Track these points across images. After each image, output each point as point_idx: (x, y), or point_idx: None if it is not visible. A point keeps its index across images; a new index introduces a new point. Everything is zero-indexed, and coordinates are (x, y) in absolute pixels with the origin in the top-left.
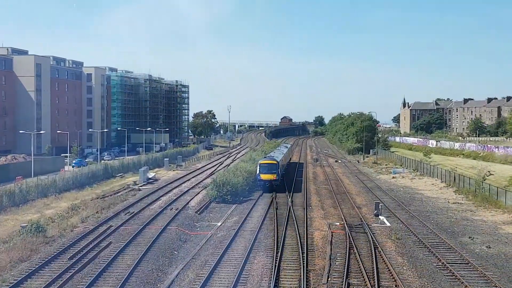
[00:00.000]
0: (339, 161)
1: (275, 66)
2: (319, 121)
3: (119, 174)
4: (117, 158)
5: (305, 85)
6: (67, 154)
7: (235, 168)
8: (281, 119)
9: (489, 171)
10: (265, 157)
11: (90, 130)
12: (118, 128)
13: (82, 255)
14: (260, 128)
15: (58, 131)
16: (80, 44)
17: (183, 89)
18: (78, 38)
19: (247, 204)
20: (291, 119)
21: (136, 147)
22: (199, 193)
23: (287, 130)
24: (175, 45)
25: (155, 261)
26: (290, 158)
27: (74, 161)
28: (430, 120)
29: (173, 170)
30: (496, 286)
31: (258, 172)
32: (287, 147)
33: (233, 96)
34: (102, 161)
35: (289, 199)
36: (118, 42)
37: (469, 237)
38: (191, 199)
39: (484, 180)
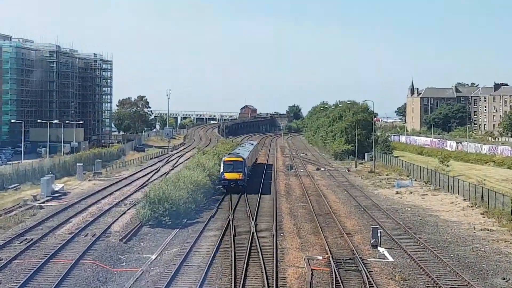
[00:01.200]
0: (322, 169)
1: (232, 33)
2: (295, 112)
3: (13, 186)
4: (10, 162)
5: (275, 62)
6: None
7: (176, 178)
8: (242, 109)
9: None
10: (229, 153)
11: None
12: (12, 121)
13: None
14: (212, 122)
15: None
16: None
17: (104, 66)
18: None
19: (193, 229)
20: (255, 110)
21: (37, 147)
22: (125, 212)
23: (250, 124)
24: (93, 4)
25: None
26: (256, 159)
27: None
28: (448, 112)
29: (89, 180)
30: None
31: (221, 170)
32: (252, 144)
33: (174, 78)
34: None
35: (253, 222)
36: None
37: (503, 278)
38: (114, 222)
39: None
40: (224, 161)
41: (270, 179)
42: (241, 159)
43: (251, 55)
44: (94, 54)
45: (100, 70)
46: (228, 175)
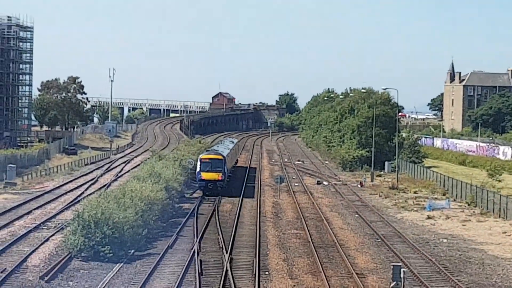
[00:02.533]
0: (325, 182)
1: None
2: (288, 103)
3: None
4: None
5: (262, 34)
6: None
7: (121, 193)
8: (214, 98)
9: None
10: (207, 150)
11: None
12: None
13: None
14: (173, 115)
15: None
16: None
17: (22, 34)
18: None
19: (143, 264)
20: (232, 99)
21: None
22: (48, 239)
23: (225, 119)
24: None
25: None
26: (237, 161)
27: None
28: (502, 107)
29: None
30: None
31: (198, 170)
32: (233, 142)
33: (121, 54)
34: None
35: (226, 255)
36: None
37: None
38: (33, 252)
39: None
40: (201, 159)
41: (252, 196)
42: (220, 157)
43: (228, 23)
44: (8, 17)
45: (16, 40)
46: (205, 175)
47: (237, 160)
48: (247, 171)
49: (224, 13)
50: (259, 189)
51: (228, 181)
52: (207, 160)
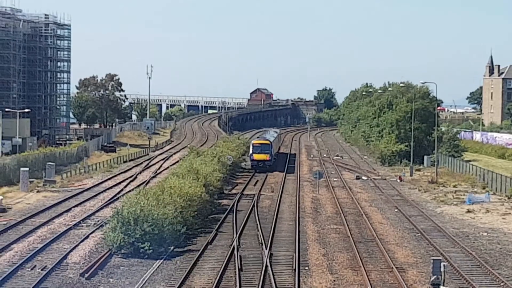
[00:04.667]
0: (364, 177)
1: None
2: (326, 99)
3: None
4: None
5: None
6: None
7: (160, 190)
8: (252, 94)
9: None
10: (258, 137)
11: None
12: None
13: None
14: (211, 111)
15: None
16: None
17: (59, 32)
18: None
19: (183, 261)
20: (270, 95)
21: None
22: (88, 237)
23: (263, 115)
24: None
25: None
26: (279, 148)
27: None
28: None
29: (38, 191)
30: None
31: (251, 152)
32: (276, 132)
33: (158, 51)
34: None
35: (266, 251)
36: None
37: None
38: (73, 249)
39: None
40: (253, 144)
41: (293, 172)
42: (268, 142)
43: (266, 21)
44: (45, 15)
45: (53, 38)
46: (256, 156)
47: (279, 147)
48: (285, 167)
49: (263, 9)
50: (298, 184)
51: (274, 161)
52: (258, 144)
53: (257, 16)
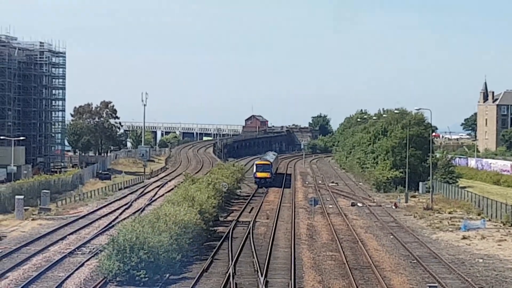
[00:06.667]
0: (359, 204)
1: (234, 18)
2: (321, 125)
3: None
4: None
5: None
6: None
7: (155, 217)
8: (247, 121)
9: None
10: (259, 158)
11: None
12: None
13: None
14: (206, 138)
15: None
16: None
17: (54, 60)
18: None
19: None
20: (265, 122)
21: None
22: (83, 265)
23: (258, 142)
24: None
25: None
26: (277, 169)
27: None
28: None
29: (33, 219)
30: None
31: (254, 171)
32: (275, 154)
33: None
34: None
35: (262, 279)
36: None
37: None
38: (68, 278)
39: None
40: (256, 164)
41: (289, 187)
42: (269, 163)
43: (260, 48)
44: (41, 43)
45: (48, 66)
46: (259, 174)
47: (277, 168)
48: (280, 199)
49: (258, 36)
50: (293, 211)
51: (274, 178)
52: (260, 164)
53: (251, 42)
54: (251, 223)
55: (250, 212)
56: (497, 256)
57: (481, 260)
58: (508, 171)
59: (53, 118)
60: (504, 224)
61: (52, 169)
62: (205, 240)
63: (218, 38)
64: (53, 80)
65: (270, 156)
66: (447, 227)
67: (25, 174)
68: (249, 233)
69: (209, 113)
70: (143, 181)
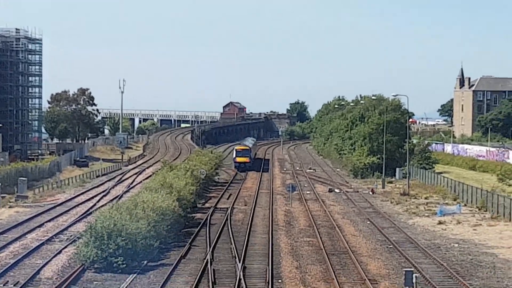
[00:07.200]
0: (336, 190)
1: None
2: (299, 112)
3: None
4: None
5: (272, 45)
6: None
7: (133, 204)
8: (225, 108)
9: None
10: (239, 143)
11: None
12: None
13: None
14: (184, 125)
15: None
16: None
17: (30, 47)
18: None
19: (156, 275)
20: (243, 109)
21: None
22: (61, 252)
23: (236, 129)
24: None
25: None
26: (255, 154)
27: None
28: (511, 111)
29: (10, 207)
30: None
31: (234, 156)
32: (253, 139)
33: (131, 65)
34: None
35: (239, 264)
36: None
37: None
38: (46, 265)
39: None
40: (236, 149)
41: (268, 171)
42: (248, 148)
43: (238, 33)
44: (16, 29)
45: (25, 53)
46: (239, 159)
47: (255, 153)
48: (258, 185)
49: (235, 23)
50: (271, 197)
51: (253, 163)
52: (240, 149)
53: (229, 29)
54: (229, 209)
55: (228, 199)
56: (472, 240)
57: (456, 245)
58: (484, 156)
59: (30, 105)
60: (479, 209)
61: (29, 157)
62: (183, 226)
63: (196, 27)
64: (30, 67)
65: (249, 142)
66: (423, 212)
67: (2, 162)
68: (227, 219)
69: (187, 100)
70: (121, 168)
